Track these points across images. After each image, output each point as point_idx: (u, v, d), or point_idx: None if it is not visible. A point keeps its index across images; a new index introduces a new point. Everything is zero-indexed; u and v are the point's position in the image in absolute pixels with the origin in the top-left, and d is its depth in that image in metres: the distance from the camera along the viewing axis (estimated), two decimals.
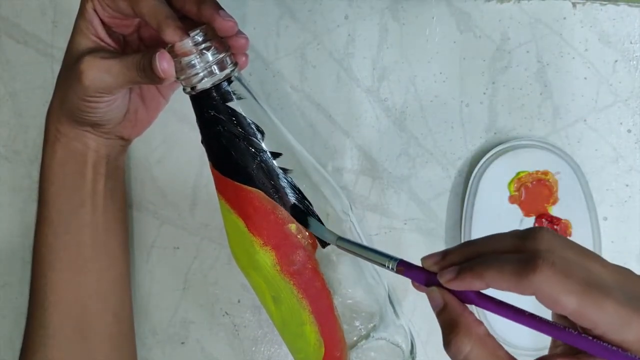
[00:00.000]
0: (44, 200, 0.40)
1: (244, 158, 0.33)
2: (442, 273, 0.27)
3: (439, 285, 0.27)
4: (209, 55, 0.32)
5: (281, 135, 0.35)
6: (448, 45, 0.47)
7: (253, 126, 0.33)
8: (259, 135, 0.34)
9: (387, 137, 0.47)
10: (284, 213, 0.34)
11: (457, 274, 0.26)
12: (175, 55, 0.32)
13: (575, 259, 0.24)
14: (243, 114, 0.33)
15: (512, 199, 0.45)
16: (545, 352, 0.27)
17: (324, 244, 0.34)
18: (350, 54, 0.48)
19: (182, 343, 0.48)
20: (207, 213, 0.48)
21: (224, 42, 0.34)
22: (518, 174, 0.45)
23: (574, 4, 0.47)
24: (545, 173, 0.45)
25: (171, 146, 0.48)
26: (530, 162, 0.45)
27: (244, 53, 0.35)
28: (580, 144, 0.47)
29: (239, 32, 0.34)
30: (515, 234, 0.26)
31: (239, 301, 0.47)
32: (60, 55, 0.38)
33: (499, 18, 0.47)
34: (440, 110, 0.47)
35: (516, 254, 0.25)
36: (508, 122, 0.47)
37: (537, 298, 0.24)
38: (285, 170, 0.34)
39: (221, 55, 0.33)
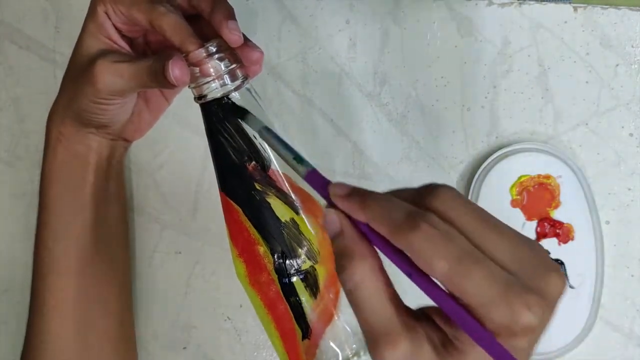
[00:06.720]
0: (44, 204, 0.40)
1: (233, 172, 0.34)
2: (335, 186, 0.25)
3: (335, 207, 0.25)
4: (221, 66, 0.33)
5: None
6: (449, 50, 0.47)
7: (254, 141, 0.34)
8: (257, 151, 0.34)
9: (388, 142, 0.47)
10: (256, 235, 0.35)
11: (347, 195, 0.25)
12: (188, 63, 0.33)
13: (468, 224, 0.23)
14: (247, 125, 0.34)
15: (514, 203, 0.45)
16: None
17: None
18: (351, 58, 0.48)
19: (184, 348, 0.47)
20: (209, 218, 0.48)
21: (236, 54, 0.34)
22: (520, 178, 0.45)
23: (575, 8, 0.47)
24: (547, 177, 0.45)
25: (173, 151, 0.48)
26: (532, 166, 0.45)
27: (258, 64, 0.36)
28: (582, 148, 0.47)
29: (255, 46, 0.35)
30: (418, 188, 0.25)
31: (240, 306, 0.47)
32: (62, 60, 0.38)
33: (500, 22, 0.47)
34: (441, 115, 0.47)
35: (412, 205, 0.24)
36: (509, 126, 0.47)
37: (409, 255, 0.22)
38: (274, 188, 0.35)
39: (233, 66, 0.33)
